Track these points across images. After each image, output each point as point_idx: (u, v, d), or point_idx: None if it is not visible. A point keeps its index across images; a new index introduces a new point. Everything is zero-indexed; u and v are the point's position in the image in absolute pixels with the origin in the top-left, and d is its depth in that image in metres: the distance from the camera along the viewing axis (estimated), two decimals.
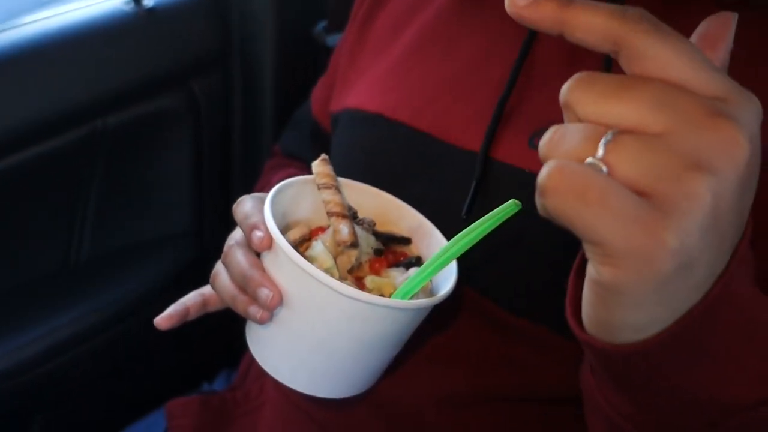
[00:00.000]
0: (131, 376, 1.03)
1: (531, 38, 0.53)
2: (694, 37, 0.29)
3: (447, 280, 0.47)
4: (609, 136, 0.25)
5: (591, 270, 0.27)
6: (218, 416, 0.64)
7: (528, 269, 0.51)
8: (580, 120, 0.27)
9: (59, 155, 0.89)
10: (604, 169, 0.25)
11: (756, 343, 0.32)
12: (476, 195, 0.52)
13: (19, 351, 0.85)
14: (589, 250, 0.26)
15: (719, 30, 0.29)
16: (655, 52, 0.26)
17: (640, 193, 0.25)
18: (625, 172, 0.25)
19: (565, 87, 0.27)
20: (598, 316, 0.29)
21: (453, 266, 0.47)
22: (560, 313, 0.50)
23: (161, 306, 0.54)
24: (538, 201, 0.26)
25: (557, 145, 0.27)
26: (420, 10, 0.65)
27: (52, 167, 0.90)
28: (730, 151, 0.25)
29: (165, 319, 0.53)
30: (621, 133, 0.25)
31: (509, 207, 0.39)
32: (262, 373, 0.66)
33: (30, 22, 0.87)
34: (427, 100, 0.58)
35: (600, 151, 0.25)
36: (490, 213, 0.40)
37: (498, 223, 0.40)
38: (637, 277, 0.25)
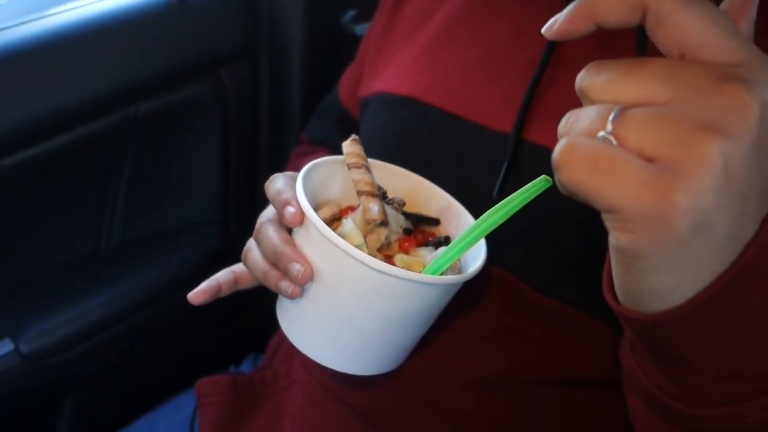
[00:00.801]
0: (160, 358, 1.05)
1: None
2: (725, 4, 0.30)
3: (476, 258, 0.47)
4: (617, 111, 0.27)
5: (611, 238, 0.28)
6: (247, 395, 0.65)
7: (558, 248, 0.51)
8: (594, 104, 0.28)
9: (92, 142, 0.91)
10: (614, 141, 0.26)
11: None
12: (508, 176, 0.52)
13: (51, 332, 0.88)
14: (607, 219, 0.27)
15: (744, 4, 0.30)
16: (678, 15, 0.27)
17: (651, 160, 0.26)
18: (634, 142, 0.26)
19: (579, 75, 0.29)
20: (625, 285, 0.30)
21: (482, 244, 0.47)
22: (590, 293, 0.50)
23: (188, 291, 0.55)
24: (556, 177, 0.27)
25: (572, 125, 0.28)
26: None
27: (85, 153, 0.92)
28: (739, 112, 0.25)
29: (198, 294, 0.54)
30: (629, 107, 0.27)
31: (540, 183, 0.39)
32: (291, 354, 0.67)
33: (66, 11, 0.89)
34: (457, 83, 0.59)
35: (609, 126, 0.26)
36: (520, 189, 0.40)
37: (528, 200, 0.40)
38: (653, 240, 0.26)
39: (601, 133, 0.27)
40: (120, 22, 0.91)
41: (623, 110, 0.27)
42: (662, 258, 0.27)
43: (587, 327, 0.51)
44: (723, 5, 0.31)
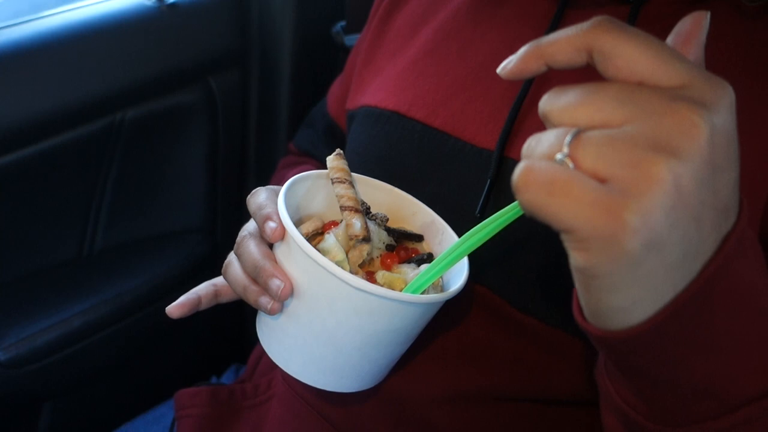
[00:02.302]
0: (141, 367, 1.04)
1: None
2: (670, 37, 0.32)
3: (458, 276, 0.47)
4: (573, 133, 0.28)
5: (570, 258, 0.29)
6: (226, 408, 0.65)
7: (539, 268, 0.51)
8: (555, 127, 0.29)
9: (77, 146, 0.90)
10: (571, 164, 0.27)
11: (762, 333, 0.32)
12: (490, 193, 0.52)
13: (31, 339, 0.86)
14: (564, 240, 0.28)
15: (692, 28, 0.32)
16: (621, 50, 0.28)
17: (604, 181, 0.27)
18: (588, 164, 0.27)
19: (541, 100, 0.30)
20: (586, 303, 0.31)
21: (464, 263, 0.47)
22: (568, 312, 0.50)
23: (172, 300, 0.55)
24: (517, 199, 0.28)
25: (533, 149, 0.29)
26: (437, 11, 0.65)
27: (70, 158, 0.91)
28: (689, 133, 0.26)
29: (177, 307, 0.53)
30: (585, 130, 0.28)
31: None
32: (271, 368, 0.66)
33: (54, 14, 0.89)
34: (442, 99, 0.59)
35: (565, 148, 0.28)
36: (503, 209, 0.39)
37: (511, 220, 0.40)
38: (606, 259, 0.27)
39: (558, 156, 0.28)
40: (109, 27, 0.90)
41: (579, 133, 0.28)
42: (617, 276, 0.28)
43: (566, 345, 0.51)
44: (669, 37, 0.32)
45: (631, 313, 0.30)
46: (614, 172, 0.26)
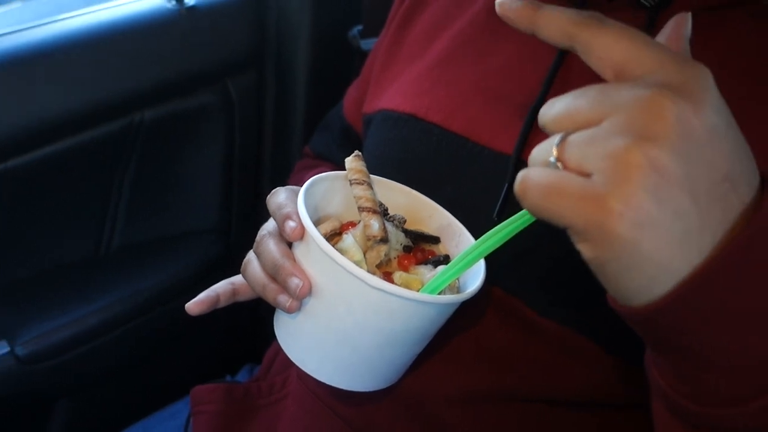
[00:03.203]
0: (156, 366, 1.05)
1: None
2: (660, 36, 0.35)
3: (474, 278, 0.47)
4: (559, 138, 0.31)
5: (580, 251, 0.31)
6: (242, 405, 0.65)
7: (555, 269, 0.51)
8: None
9: (97, 146, 0.91)
10: (560, 166, 0.30)
11: None
12: (508, 197, 0.52)
13: (49, 335, 0.88)
14: (570, 236, 0.31)
15: (676, 27, 0.35)
16: (599, 41, 0.31)
17: (589, 176, 0.29)
18: (573, 163, 0.30)
19: (539, 113, 0.33)
20: (608, 288, 0.33)
21: (481, 264, 0.47)
22: (586, 314, 0.51)
23: (186, 299, 0.55)
24: (522, 206, 0.31)
25: (534, 158, 0.32)
26: (456, 17, 0.66)
27: (88, 158, 0.92)
28: (656, 114, 0.28)
29: (196, 304, 0.54)
30: (569, 133, 0.30)
31: None
32: (287, 366, 0.67)
33: (76, 16, 0.90)
34: (460, 103, 0.59)
35: (553, 152, 0.30)
36: (521, 211, 0.40)
37: (528, 223, 0.40)
38: (604, 246, 0.29)
39: (551, 159, 0.31)
40: (130, 29, 0.91)
41: (565, 136, 0.31)
42: (622, 259, 0.29)
43: (581, 347, 0.51)
44: (659, 36, 0.35)
45: (651, 290, 0.31)
46: (596, 165, 0.29)
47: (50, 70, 0.85)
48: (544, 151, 0.31)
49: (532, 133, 0.54)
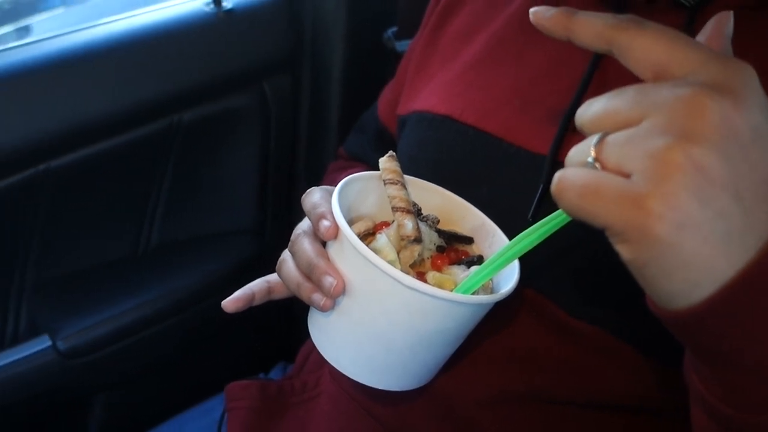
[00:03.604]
0: (191, 363, 1.07)
1: None
2: (701, 35, 0.35)
3: (508, 279, 0.47)
4: (597, 138, 0.30)
5: (619, 253, 0.30)
6: (275, 402, 0.66)
7: (590, 271, 0.51)
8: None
9: (136, 147, 0.94)
10: (599, 166, 0.30)
11: None
12: (543, 198, 0.52)
13: (89, 331, 0.90)
14: (608, 237, 0.30)
15: (717, 26, 0.34)
16: (638, 43, 0.31)
17: (628, 176, 0.29)
18: (612, 163, 0.29)
19: (576, 114, 0.32)
20: (648, 291, 0.32)
21: (515, 265, 0.47)
22: (621, 316, 0.50)
23: (221, 298, 0.56)
24: (559, 206, 0.31)
25: (569, 159, 0.32)
26: (491, 19, 0.66)
27: (129, 158, 0.94)
28: (699, 114, 0.28)
29: (232, 301, 0.55)
30: (608, 133, 0.30)
31: None
32: (320, 365, 0.67)
33: (116, 21, 0.92)
34: (496, 104, 0.59)
35: (591, 153, 0.30)
36: (555, 212, 0.40)
37: (563, 223, 0.40)
38: (644, 247, 0.28)
39: (588, 159, 0.30)
40: (168, 32, 0.94)
41: (603, 136, 0.30)
42: (662, 261, 0.29)
43: (615, 349, 0.50)
44: (699, 35, 0.35)
45: (692, 293, 0.30)
46: (635, 165, 0.28)
47: (92, 73, 0.88)
48: (581, 152, 0.31)
49: (568, 135, 0.53)
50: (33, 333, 0.90)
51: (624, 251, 0.30)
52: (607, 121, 0.31)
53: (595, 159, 0.30)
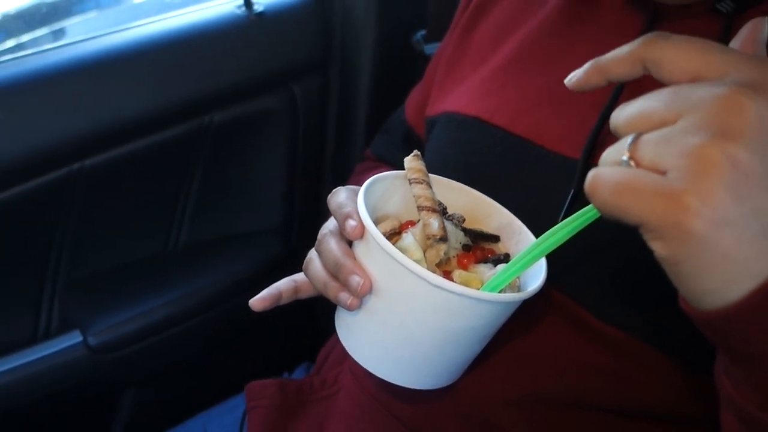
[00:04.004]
0: (217, 361, 1.08)
1: None
2: (735, 41, 0.36)
3: (536, 277, 0.47)
4: (632, 137, 0.31)
5: (653, 250, 0.30)
6: (294, 400, 0.66)
7: (618, 274, 0.50)
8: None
9: (167, 148, 0.95)
10: (633, 165, 0.30)
11: None
12: (574, 202, 0.52)
13: (119, 327, 0.92)
14: (642, 233, 0.30)
15: (752, 31, 0.35)
16: (670, 55, 0.32)
17: (663, 173, 0.29)
18: (648, 161, 0.29)
19: (611, 117, 0.33)
20: (682, 290, 0.32)
21: (542, 264, 0.47)
22: (649, 321, 0.49)
23: (247, 297, 0.56)
24: (592, 204, 0.31)
25: (603, 159, 0.32)
26: (523, 22, 0.65)
27: (160, 158, 0.96)
28: (735, 112, 0.28)
29: (259, 300, 0.55)
30: (643, 132, 0.30)
31: None
32: (339, 363, 0.68)
33: (150, 23, 0.94)
34: (527, 107, 0.59)
35: (626, 151, 0.30)
36: (584, 209, 0.39)
37: (591, 220, 0.39)
38: (680, 244, 0.28)
39: (623, 158, 0.30)
40: (202, 34, 0.95)
41: (638, 136, 0.30)
42: (698, 259, 0.29)
43: (642, 354, 0.50)
44: (734, 41, 0.36)
45: (727, 292, 0.30)
46: (672, 162, 0.28)
47: (126, 75, 0.90)
48: (615, 152, 0.31)
49: (601, 138, 0.53)
50: (64, 329, 0.92)
51: (658, 248, 0.30)
52: (641, 121, 0.31)
53: (630, 158, 0.30)
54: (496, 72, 0.64)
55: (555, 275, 0.48)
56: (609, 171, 0.30)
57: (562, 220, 0.52)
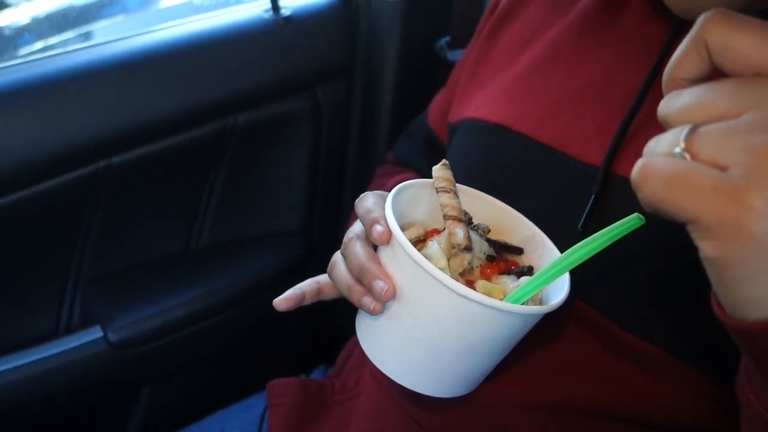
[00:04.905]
0: (234, 360, 1.09)
1: (662, 57, 0.54)
2: None
3: (559, 291, 0.47)
4: (689, 128, 0.28)
5: (700, 251, 0.29)
6: (315, 401, 0.67)
7: (644, 285, 0.50)
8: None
9: (192, 148, 0.96)
10: (688, 157, 0.28)
11: None
12: (594, 208, 0.52)
13: (139, 324, 0.93)
14: (690, 232, 0.28)
15: None
16: (734, 42, 0.29)
17: (723, 169, 0.27)
18: (706, 155, 0.27)
19: (660, 105, 0.31)
20: (723, 296, 0.30)
21: (565, 278, 0.47)
22: (673, 333, 0.49)
23: (267, 298, 0.57)
24: (638, 195, 0.29)
25: (652, 149, 0.30)
26: (546, 29, 0.66)
27: (185, 158, 0.97)
28: None
29: (283, 300, 0.56)
30: (699, 124, 0.28)
31: (632, 221, 0.39)
32: (360, 366, 0.68)
33: (178, 25, 0.95)
34: (549, 114, 0.59)
35: (682, 143, 0.28)
36: (611, 225, 0.39)
37: (618, 237, 0.40)
38: (735, 245, 0.27)
39: (676, 150, 0.28)
40: (227, 38, 0.96)
41: (695, 127, 0.28)
42: (750, 263, 0.27)
43: (665, 366, 0.49)
44: None
45: None
46: (733, 158, 0.27)
47: (154, 76, 0.91)
48: (666, 142, 0.29)
49: (623, 145, 0.53)
50: (85, 324, 0.93)
51: (708, 248, 0.28)
52: (699, 112, 0.29)
53: (685, 149, 0.28)
54: (519, 79, 0.64)
55: (577, 286, 0.48)
56: (662, 161, 0.28)
57: (581, 226, 0.52)
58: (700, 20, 0.30)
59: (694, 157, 0.28)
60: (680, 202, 0.27)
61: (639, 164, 0.28)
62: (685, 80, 0.31)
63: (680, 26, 0.54)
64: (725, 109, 0.28)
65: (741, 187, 0.26)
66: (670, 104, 0.30)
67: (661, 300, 0.49)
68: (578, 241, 0.42)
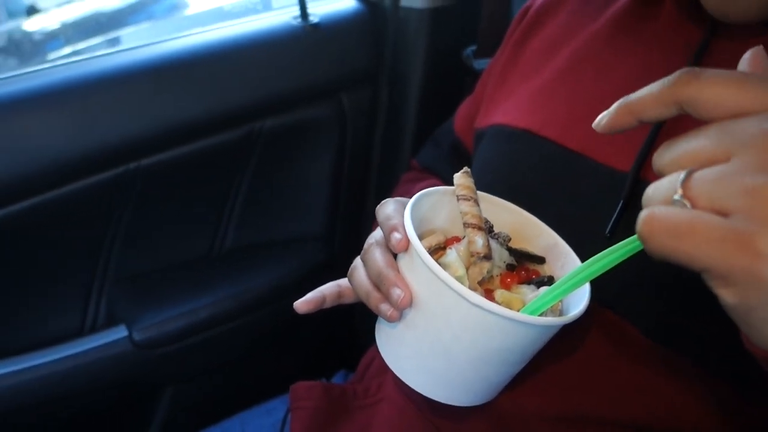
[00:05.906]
0: (255, 363, 1.10)
1: (697, 59, 0.53)
2: (742, 65, 0.34)
3: (579, 301, 0.46)
4: (684, 174, 0.29)
5: (720, 298, 0.28)
6: (338, 404, 0.67)
7: (670, 294, 0.49)
8: None
9: (219, 152, 0.98)
10: (688, 204, 0.28)
11: None
12: (622, 214, 0.51)
13: (163, 324, 0.94)
14: (706, 280, 0.28)
15: (754, 58, 0.33)
16: (706, 94, 0.30)
17: (725, 215, 0.27)
18: (705, 201, 0.27)
19: (653, 157, 0.32)
20: (753, 336, 0.30)
21: (586, 288, 0.46)
22: (701, 343, 0.48)
23: (289, 302, 0.57)
24: (646, 249, 0.29)
25: (651, 196, 0.30)
26: (575, 35, 0.65)
27: (211, 162, 0.98)
28: None
29: (304, 303, 0.56)
30: (694, 169, 0.28)
31: None
32: (382, 371, 0.68)
33: (208, 31, 0.97)
34: (576, 120, 0.59)
35: (679, 189, 0.28)
36: (631, 237, 0.39)
37: (638, 249, 0.39)
38: (752, 291, 0.26)
39: (675, 197, 0.28)
40: (256, 44, 0.97)
41: (690, 172, 0.28)
42: None
43: (691, 375, 0.49)
44: (740, 65, 0.34)
45: None
46: (733, 203, 0.27)
47: (183, 80, 0.92)
48: (664, 189, 0.29)
49: (652, 151, 0.52)
50: (111, 323, 0.95)
51: (727, 296, 0.28)
52: (689, 159, 0.29)
53: (683, 196, 0.28)
54: (547, 85, 0.64)
55: (606, 296, 0.47)
56: (665, 212, 0.28)
57: (609, 232, 0.52)
58: (671, 80, 0.31)
59: (694, 204, 0.28)
60: (691, 253, 0.27)
61: (642, 216, 0.29)
62: (632, 116, 0.33)
63: (715, 28, 0.54)
64: (712, 154, 0.29)
65: (748, 233, 0.26)
66: (663, 155, 0.31)
67: (685, 309, 0.48)
68: (605, 248, 0.42)
